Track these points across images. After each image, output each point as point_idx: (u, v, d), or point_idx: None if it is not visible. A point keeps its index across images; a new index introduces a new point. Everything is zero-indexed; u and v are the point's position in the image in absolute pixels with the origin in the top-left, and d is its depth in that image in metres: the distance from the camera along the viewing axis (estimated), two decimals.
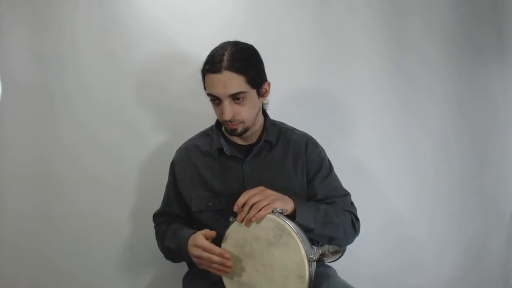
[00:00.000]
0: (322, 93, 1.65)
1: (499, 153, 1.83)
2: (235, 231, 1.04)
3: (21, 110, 1.43)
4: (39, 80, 1.44)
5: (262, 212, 0.98)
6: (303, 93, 1.62)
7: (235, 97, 1.08)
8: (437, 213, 1.74)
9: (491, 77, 1.82)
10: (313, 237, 1.06)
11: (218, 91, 1.07)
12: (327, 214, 1.10)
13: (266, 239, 0.99)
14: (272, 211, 0.99)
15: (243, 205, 1.00)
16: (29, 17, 1.43)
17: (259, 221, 0.99)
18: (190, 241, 1.06)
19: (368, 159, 1.67)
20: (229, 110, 1.09)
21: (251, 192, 1.02)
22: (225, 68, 1.05)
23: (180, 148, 1.28)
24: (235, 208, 1.01)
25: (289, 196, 1.06)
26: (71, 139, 1.45)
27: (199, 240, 1.03)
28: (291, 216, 1.03)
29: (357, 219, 1.20)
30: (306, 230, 1.03)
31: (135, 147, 1.49)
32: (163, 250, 1.22)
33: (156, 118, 1.51)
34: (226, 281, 1.06)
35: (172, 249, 1.14)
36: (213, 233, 1.05)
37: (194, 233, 1.07)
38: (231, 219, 1.04)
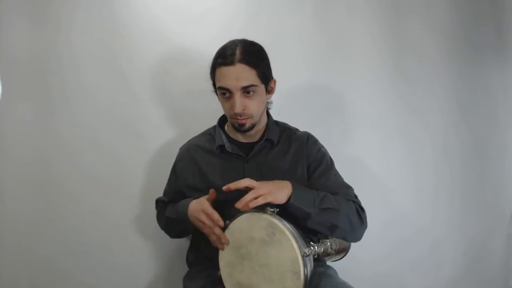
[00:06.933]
0: (322, 93, 1.65)
1: (499, 153, 1.83)
2: (230, 234, 1.05)
3: (21, 111, 1.42)
4: (38, 80, 1.43)
5: (259, 200, 0.99)
6: (303, 93, 1.62)
7: (246, 90, 1.10)
8: (437, 213, 1.74)
9: (491, 76, 1.82)
10: (313, 226, 1.06)
11: (231, 83, 1.09)
12: (327, 200, 1.08)
13: (261, 238, 1.00)
14: (265, 211, 1.00)
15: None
16: (28, 17, 1.42)
17: (254, 219, 1.00)
18: (196, 205, 1.10)
19: (368, 158, 1.67)
20: (240, 103, 1.10)
21: (249, 179, 1.03)
22: (238, 60, 1.08)
23: (182, 147, 1.30)
24: (225, 188, 1.03)
25: (290, 181, 1.06)
26: (71, 140, 1.45)
27: (206, 206, 1.07)
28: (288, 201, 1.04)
29: (363, 210, 1.16)
30: (304, 215, 1.03)
31: (135, 147, 1.49)
32: (164, 224, 1.28)
33: (156, 119, 1.51)
34: (226, 283, 1.06)
35: (172, 218, 1.20)
36: (212, 194, 1.10)
37: (196, 199, 1.12)
38: (226, 222, 1.05)
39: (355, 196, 1.20)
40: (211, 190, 1.10)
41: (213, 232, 1.05)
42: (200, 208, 1.08)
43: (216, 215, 1.05)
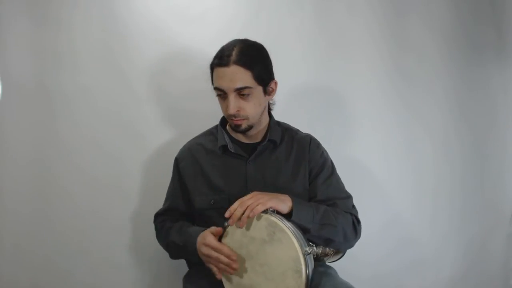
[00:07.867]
0: (322, 93, 1.65)
1: (499, 153, 1.83)
2: (230, 234, 1.04)
3: (21, 111, 1.42)
4: (38, 80, 1.43)
5: (259, 207, 0.98)
6: (303, 93, 1.62)
7: (241, 93, 1.09)
8: (437, 213, 1.74)
9: (491, 76, 1.82)
10: (310, 238, 1.06)
11: (224, 85, 1.09)
12: (326, 215, 1.09)
13: (261, 238, 0.99)
14: (265, 211, 0.99)
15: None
16: (28, 17, 1.42)
17: (253, 219, 0.99)
18: (200, 239, 1.06)
19: (368, 158, 1.67)
20: (234, 104, 1.10)
21: (244, 198, 1.01)
22: (233, 62, 1.07)
23: (184, 146, 1.29)
24: (227, 214, 1.00)
25: (289, 196, 1.06)
26: (71, 140, 1.45)
27: (209, 239, 1.03)
28: (289, 215, 1.03)
29: (359, 222, 1.18)
30: (303, 230, 1.03)
31: (135, 148, 1.49)
32: (166, 245, 1.22)
33: (156, 119, 1.51)
34: (226, 283, 1.06)
35: (178, 244, 1.15)
36: (219, 230, 1.06)
37: (202, 231, 1.08)
38: (226, 223, 1.04)
39: (353, 206, 1.21)
40: (219, 229, 1.06)
41: (220, 262, 1.01)
42: (202, 241, 1.04)
43: (225, 249, 1.01)
